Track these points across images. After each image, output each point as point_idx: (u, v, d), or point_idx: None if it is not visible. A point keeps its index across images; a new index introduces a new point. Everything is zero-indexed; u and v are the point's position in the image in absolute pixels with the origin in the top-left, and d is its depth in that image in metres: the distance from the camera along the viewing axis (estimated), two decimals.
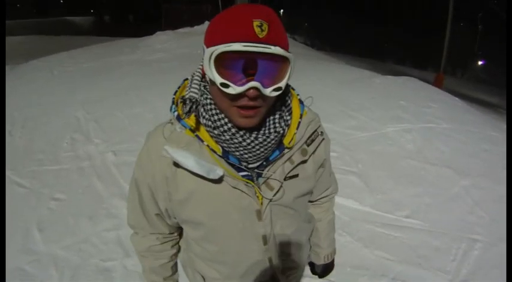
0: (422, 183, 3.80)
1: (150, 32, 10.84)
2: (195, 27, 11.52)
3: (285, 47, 0.87)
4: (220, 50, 0.82)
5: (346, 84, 6.33)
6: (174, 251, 1.30)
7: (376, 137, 4.50)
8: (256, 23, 0.82)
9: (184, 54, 8.67)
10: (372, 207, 3.40)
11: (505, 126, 6.45)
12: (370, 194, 3.57)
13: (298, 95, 1.10)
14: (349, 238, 3.04)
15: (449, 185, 3.82)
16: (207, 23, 11.27)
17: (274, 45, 0.83)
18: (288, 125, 1.02)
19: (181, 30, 11.23)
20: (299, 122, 1.04)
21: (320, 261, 1.49)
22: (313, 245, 1.49)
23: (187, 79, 1.09)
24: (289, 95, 1.06)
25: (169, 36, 10.28)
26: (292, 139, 1.03)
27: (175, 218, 1.14)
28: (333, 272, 1.55)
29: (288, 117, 1.02)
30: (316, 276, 1.58)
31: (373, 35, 24.77)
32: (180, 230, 1.29)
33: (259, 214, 1.06)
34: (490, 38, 24.83)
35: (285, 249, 1.19)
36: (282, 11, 27.19)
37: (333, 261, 1.55)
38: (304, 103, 1.10)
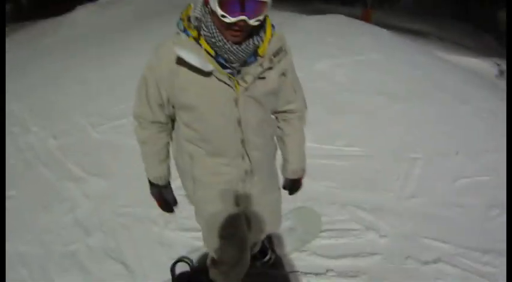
0: (358, 112, 4.18)
1: (70, 7, 10.76)
2: None
3: None
4: None
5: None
6: (167, 140, 1.81)
7: (309, 74, 4.80)
8: None
9: (110, 25, 8.93)
10: (312, 142, 3.63)
11: (435, 51, 7.15)
12: (310, 129, 3.81)
13: (271, 21, 1.56)
14: None
15: (384, 111, 4.25)
16: None
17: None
18: (262, 40, 1.50)
19: (102, 0, 11.15)
20: (270, 39, 1.52)
21: (286, 174, 1.95)
22: (283, 160, 1.96)
23: (190, 4, 1.50)
24: (265, 20, 1.49)
25: (91, 9, 10.47)
26: (264, 50, 1.51)
27: (173, 106, 1.62)
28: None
29: (263, 35, 1.50)
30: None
31: None
32: (173, 123, 1.76)
33: (236, 101, 1.54)
34: None
35: (254, 132, 1.67)
36: None
37: (299, 179, 1.98)
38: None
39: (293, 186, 2.00)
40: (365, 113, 4.18)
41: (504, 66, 9.96)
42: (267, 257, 2.54)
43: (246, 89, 1.52)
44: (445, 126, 4.25)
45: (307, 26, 6.68)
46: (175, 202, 1.98)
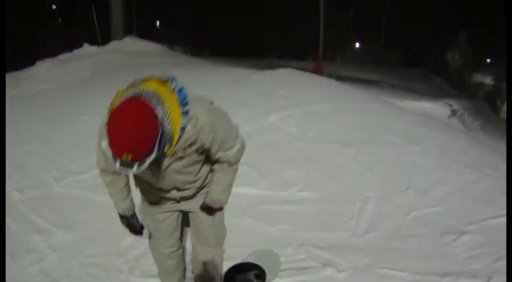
0: (310, 160, 4.55)
1: (29, 62, 11.26)
2: (74, 51, 12.22)
3: (146, 151, 1.53)
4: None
5: (226, 85, 7.23)
6: (126, 180, 2.24)
7: (260, 128, 5.23)
8: (123, 157, 1.50)
9: (68, 81, 9.41)
10: (266, 190, 4.06)
11: (386, 98, 7.77)
12: (263, 179, 4.21)
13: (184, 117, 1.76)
14: (251, 220, 3.64)
15: (336, 157, 4.64)
16: (86, 45, 12.42)
17: (134, 163, 1.53)
18: (170, 146, 1.69)
19: (61, 56, 11.74)
20: (177, 141, 1.74)
21: (206, 200, 2.31)
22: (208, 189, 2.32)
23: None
24: (170, 128, 1.66)
25: (51, 65, 10.91)
26: (171, 151, 1.75)
27: None
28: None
29: (167, 146, 1.67)
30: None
31: (250, 35, 26.80)
32: None
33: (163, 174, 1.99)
34: (361, 19, 28.19)
35: (180, 179, 2.12)
36: (158, 22, 28.69)
37: (215, 209, 2.34)
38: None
39: (208, 210, 2.35)
40: (316, 161, 4.55)
41: (456, 106, 10.77)
42: None
43: (166, 167, 1.95)
44: (395, 166, 4.66)
45: (260, 81, 7.28)
46: (141, 227, 2.42)
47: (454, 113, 10.18)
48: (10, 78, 10.54)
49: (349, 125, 5.47)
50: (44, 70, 10.52)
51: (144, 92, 1.63)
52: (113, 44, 13.24)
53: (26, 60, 11.74)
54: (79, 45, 12.52)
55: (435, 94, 12.53)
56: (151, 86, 1.69)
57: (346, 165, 4.54)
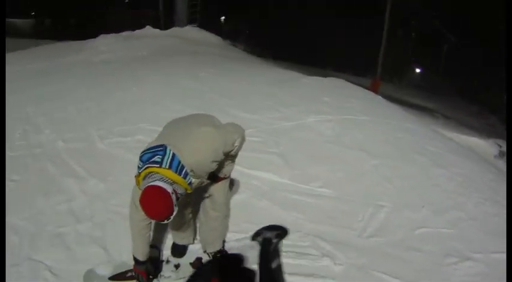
0: (337, 162, 4.88)
1: (92, 35, 12.29)
2: (136, 31, 13.31)
3: (168, 215, 2.22)
4: None
5: (275, 84, 7.73)
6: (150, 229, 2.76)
7: (298, 125, 5.63)
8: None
9: (126, 56, 10.17)
10: (289, 180, 4.41)
11: (433, 126, 7.90)
12: (289, 170, 4.58)
13: None
14: (268, 203, 4.00)
15: (361, 164, 4.94)
16: (148, 27, 13.44)
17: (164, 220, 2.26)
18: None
19: (123, 33, 12.80)
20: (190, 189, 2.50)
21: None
22: None
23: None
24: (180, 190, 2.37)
25: (112, 39, 11.91)
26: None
27: None
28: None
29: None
30: None
31: (315, 44, 27.09)
32: None
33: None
34: (424, 46, 27.91)
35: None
36: (223, 18, 29.41)
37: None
38: None
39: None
40: (342, 163, 4.86)
41: (504, 148, 10.59)
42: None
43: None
44: (416, 183, 4.88)
45: (307, 85, 7.75)
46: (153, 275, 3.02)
47: (502, 154, 10.01)
48: (74, 45, 11.61)
49: (382, 138, 5.73)
50: (105, 43, 11.46)
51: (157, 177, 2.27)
52: (174, 30, 14.17)
53: (91, 33, 12.73)
54: (142, 26, 13.61)
55: (487, 132, 12.40)
56: (160, 172, 2.28)
57: (368, 172, 4.83)
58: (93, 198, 3.91)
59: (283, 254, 3.39)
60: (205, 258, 3.21)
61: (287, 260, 3.34)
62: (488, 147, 9.98)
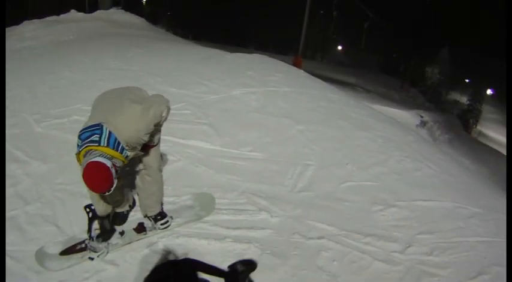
0: (264, 128, 5.33)
1: (16, 21, 12.01)
2: (61, 15, 13.37)
3: (109, 187, 2.55)
4: None
5: (201, 61, 8.19)
6: None
7: (225, 98, 6.04)
8: None
9: (53, 41, 10.22)
10: (221, 147, 4.82)
11: (343, 92, 8.59)
12: (220, 138, 4.97)
13: None
14: (204, 168, 4.36)
15: (287, 129, 5.44)
16: (73, 11, 13.52)
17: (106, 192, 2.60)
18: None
19: (48, 18, 12.71)
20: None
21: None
22: None
23: None
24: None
25: (37, 25, 11.75)
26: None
27: None
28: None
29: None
30: None
31: (235, 24, 27.51)
32: None
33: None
34: (346, 23, 29.21)
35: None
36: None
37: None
38: None
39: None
40: (269, 130, 5.32)
41: (426, 118, 11.52)
42: (165, 220, 3.51)
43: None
44: (340, 145, 5.47)
45: (231, 61, 8.24)
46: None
47: (423, 123, 10.78)
48: None
49: (305, 107, 6.29)
50: (30, 29, 11.31)
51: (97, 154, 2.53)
52: (99, 13, 14.31)
53: (14, 19, 12.38)
54: (66, 11, 13.65)
55: (408, 104, 13.37)
56: (99, 149, 2.55)
57: (294, 136, 5.36)
58: (38, 180, 4.03)
59: (223, 211, 3.78)
60: (147, 222, 3.48)
61: (228, 217, 3.71)
62: (410, 118, 10.79)
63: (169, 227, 3.50)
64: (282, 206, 4.01)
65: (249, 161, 4.64)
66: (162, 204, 3.56)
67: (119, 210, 3.56)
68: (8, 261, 3.04)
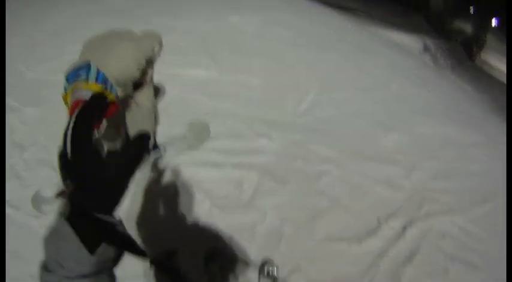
0: (263, 55, 5.26)
1: None
2: None
3: None
4: None
5: None
6: None
7: (222, 26, 5.90)
8: None
9: None
10: (219, 74, 4.76)
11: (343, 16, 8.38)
12: (217, 66, 4.89)
13: None
14: (201, 96, 4.30)
15: (285, 55, 5.37)
16: None
17: None
18: None
19: None
20: None
21: None
22: None
23: None
24: None
25: None
26: None
27: None
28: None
29: None
30: None
31: None
32: None
33: None
34: None
35: None
36: None
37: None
38: None
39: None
40: (267, 56, 5.19)
41: (430, 44, 11.23)
42: (157, 149, 3.48)
43: None
44: (340, 68, 5.37)
45: None
46: None
47: (426, 49, 10.55)
48: None
49: (305, 32, 6.13)
50: None
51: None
52: None
53: None
54: None
55: (412, 29, 13.07)
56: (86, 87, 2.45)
57: (293, 61, 5.23)
58: (33, 126, 3.98)
59: (221, 137, 3.73)
60: None
61: (225, 142, 3.68)
62: (414, 43, 10.54)
63: (163, 158, 3.48)
64: (282, 132, 3.97)
65: (248, 88, 4.56)
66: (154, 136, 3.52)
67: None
68: (8, 210, 3.04)
